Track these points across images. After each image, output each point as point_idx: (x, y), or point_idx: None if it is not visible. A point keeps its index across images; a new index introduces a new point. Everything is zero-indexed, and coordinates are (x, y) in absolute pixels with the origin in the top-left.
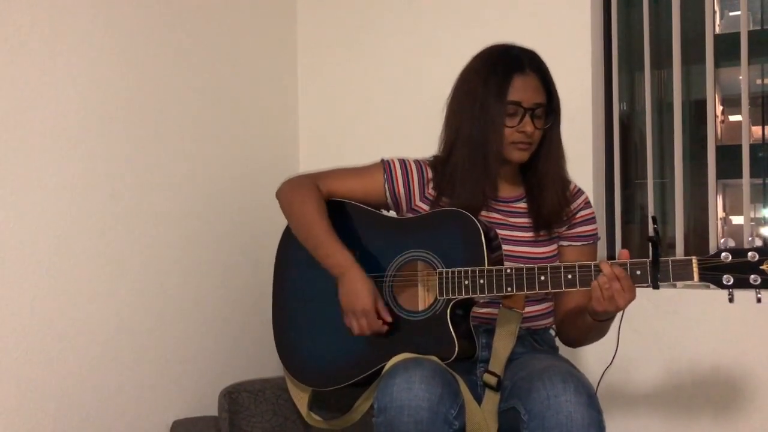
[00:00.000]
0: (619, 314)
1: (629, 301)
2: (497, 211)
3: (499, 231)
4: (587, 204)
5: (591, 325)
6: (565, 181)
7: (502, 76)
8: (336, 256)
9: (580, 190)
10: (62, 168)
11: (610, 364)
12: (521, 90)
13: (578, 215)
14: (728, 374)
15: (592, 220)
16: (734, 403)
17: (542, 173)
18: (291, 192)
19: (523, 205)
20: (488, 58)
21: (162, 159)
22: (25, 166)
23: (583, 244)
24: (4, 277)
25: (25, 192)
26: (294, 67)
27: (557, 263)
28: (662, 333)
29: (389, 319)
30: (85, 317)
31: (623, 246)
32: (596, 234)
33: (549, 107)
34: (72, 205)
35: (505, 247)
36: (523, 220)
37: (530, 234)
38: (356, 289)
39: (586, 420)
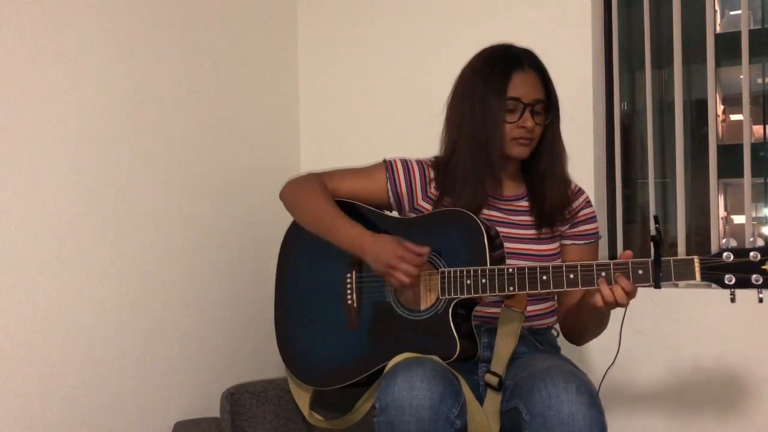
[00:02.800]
0: (621, 314)
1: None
2: (498, 210)
3: (501, 229)
4: (588, 203)
5: (590, 317)
6: (566, 179)
7: (501, 74)
8: (350, 232)
9: (580, 189)
10: (63, 169)
11: (613, 363)
12: (521, 86)
13: (579, 214)
14: (730, 373)
15: (593, 219)
16: (737, 402)
17: (543, 170)
18: (296, 188)
19: (524, 203)
20: (487, 56)
21: (163, 159)
22: (27, 167)
23: (585, 243)
24: (6, 278)
25: (26, 193)
26: (295, 68)
27: (559, 263)
28: (664, 332)
29: (424, 249)
30: (86, 318)
31: (624, 245)
32: (597, 233)
33: (548, 104)
34: (73, 206)
35: (508, 244)
36: (525, 218)
37: (533, 232)
38: (379, 247)
39: (587, 420)
